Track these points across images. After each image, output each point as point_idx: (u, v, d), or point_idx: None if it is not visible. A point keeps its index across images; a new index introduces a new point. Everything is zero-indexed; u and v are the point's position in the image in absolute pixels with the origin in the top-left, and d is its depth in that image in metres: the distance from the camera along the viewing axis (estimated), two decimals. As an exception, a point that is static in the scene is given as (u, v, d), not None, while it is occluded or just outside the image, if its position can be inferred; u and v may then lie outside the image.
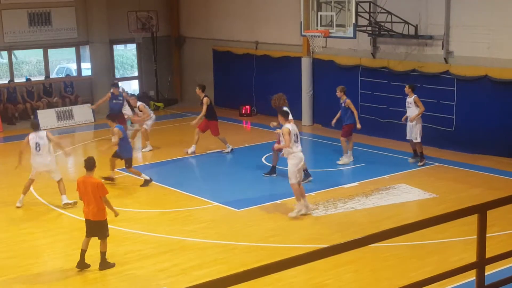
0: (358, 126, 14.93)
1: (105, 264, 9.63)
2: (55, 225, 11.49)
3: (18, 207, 12.53)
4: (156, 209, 12.51)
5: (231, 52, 22.58)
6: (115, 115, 15.09)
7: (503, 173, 14.28)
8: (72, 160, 15.94)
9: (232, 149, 16.47)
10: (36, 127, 12.60)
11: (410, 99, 14.80)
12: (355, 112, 15.04)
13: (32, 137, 12.38)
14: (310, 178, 13.76)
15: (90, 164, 9.64)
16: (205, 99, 15.96)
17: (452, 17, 16.15)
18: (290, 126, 11.63)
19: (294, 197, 11.87)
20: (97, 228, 9.55)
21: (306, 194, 11.91)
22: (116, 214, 9.88)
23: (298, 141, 11.71)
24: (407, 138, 15.07)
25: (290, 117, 12.38)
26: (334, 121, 15.47)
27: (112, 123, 13.99)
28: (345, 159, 15.19)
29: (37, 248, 10.58)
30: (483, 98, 15.71)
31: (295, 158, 11.62)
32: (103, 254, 9.63)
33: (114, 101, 17.64)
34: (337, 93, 15.20)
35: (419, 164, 14.85)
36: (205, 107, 15.89)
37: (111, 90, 17.77)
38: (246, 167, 15.21)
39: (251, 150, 15.22)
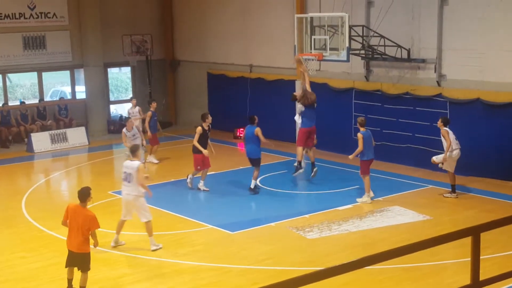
0: (351, 156, 13.89)
1: None
2: (48, 249, 11.42)
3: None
4: (150, 232, 12.44)
5: (226, 75, 22.67)
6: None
7: (496, 195, 14.31)
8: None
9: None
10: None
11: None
12: (360, 148, 13.65)
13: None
14: (301, 170, 14.31)
15: (83, 195, 9.17)
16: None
17: (444, 41, 16.30)
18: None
19: (290, 219, 11.85)
20: (79, 260, 9.23)
21: (300, 217, 11.86)
22: (96, 245, 9.41)
23: (126, 179, 11.18)
24: (444, 168, 14.30)
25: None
26: (352, 156, 14.04)
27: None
28: (366, 197, 13.95)
29: (30, 272, 10.49)
30: (476, 120, 15.80)
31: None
32: None
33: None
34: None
35: (445, 195, 14.15)
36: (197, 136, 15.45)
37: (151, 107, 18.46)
38: (240, 189, 15.19)
39: (246, 172, 15.23)
